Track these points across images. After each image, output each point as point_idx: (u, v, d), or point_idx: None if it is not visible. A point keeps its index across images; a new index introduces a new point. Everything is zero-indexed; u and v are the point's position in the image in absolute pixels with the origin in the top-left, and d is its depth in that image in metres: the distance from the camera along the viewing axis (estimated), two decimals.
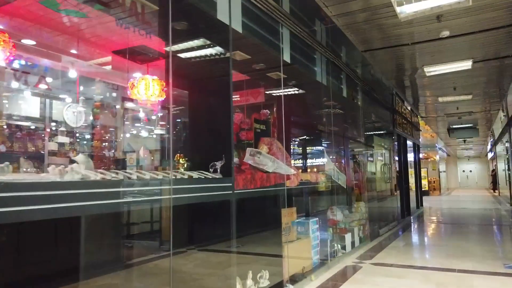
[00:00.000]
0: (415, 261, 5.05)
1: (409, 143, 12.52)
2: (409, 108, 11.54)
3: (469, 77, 7.82)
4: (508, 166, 14.28)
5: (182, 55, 3.79)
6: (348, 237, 5.59)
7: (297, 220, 4.45)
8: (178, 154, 2.94)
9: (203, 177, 2.65)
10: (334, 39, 5.30)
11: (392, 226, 8.37)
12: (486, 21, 5.13)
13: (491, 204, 15.00)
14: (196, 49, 3.76)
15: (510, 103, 11.71)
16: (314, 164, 8.97)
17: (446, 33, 5.31)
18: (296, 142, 8.89)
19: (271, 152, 4.19)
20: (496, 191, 26.12)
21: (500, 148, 19.73)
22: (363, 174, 7.52)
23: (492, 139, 20.97)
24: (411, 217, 10.62)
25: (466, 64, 6.52)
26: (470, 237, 6.98)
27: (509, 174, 14.29)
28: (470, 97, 9.15)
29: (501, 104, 11.11)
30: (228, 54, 3.13)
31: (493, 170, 26.97)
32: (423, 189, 21.42)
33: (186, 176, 2.63)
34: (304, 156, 9.20)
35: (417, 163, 13.69)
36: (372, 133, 7.90)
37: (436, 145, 22.04)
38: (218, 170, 2.82)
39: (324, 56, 4.92)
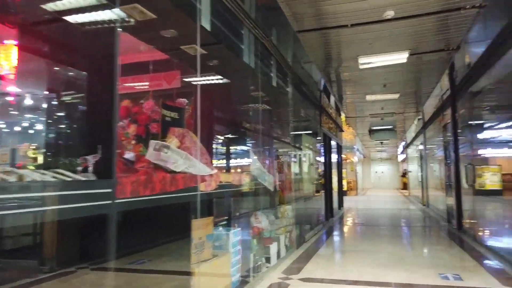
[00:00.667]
0: (347, 273, 4.49)
1: (333, 143, 12.41)
2: (334, 106, 11.37)
3: (400, 73, 7.68)
4: (421, 167, 15.00)
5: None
6: (273, 247, 4.87)
7: (215, 232, 3.58)
8: (28, 145, 1.89)
9: (60, 178, 1.65)
10: (266, 13, 4.52)
11: (317, 230, 7.93)
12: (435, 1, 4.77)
13: (405, 204, 15.69)
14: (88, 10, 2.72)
15: (426, 107, 12.19)
16: (239, 164, 8.21)
17: (390, 13, 4.85)
18: (220, 140, 8.07)
19: (183, 147, 3.26)
20: (405, 190, 28.07)
21: (411, 150, 21.01)
22: (289, 175, 6.95)
23: (404, 142, 22.28)
24: (334, 219, 10.40)
25: (402, 57, 6.25)
26: (397, 242, 6.75)
27: (421, 175, 15.01)
28: (397, 96, 9.12)
29: (419, 106, 11.49)
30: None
31: (404, 172, 28.96)
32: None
33: (35, 177, 1.61)
34: (228, 155, 8.41)
35: (340, 164, 13.70)
36: (299, 132, 7.36)
37: (354, 146, 22.79)
38: (90, 168, 1.83)
39: (253, 33, 4.12)
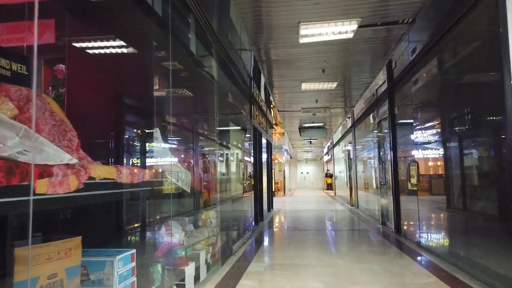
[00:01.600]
0: None
1: (263, 141, 11.46)
2: (264, 99, 10.41)
3: (342, 56, 6.90)
4: (349, 167, 14.76)
5: None
6: (189, 269, 3.61)
7: (89, 259, 2.23)
8: None
9: None
10: None
11: (247, 238, 6.81)
12: None
13: (334, 204, 15.36)
14: None
15: (357, 107, 11.82)
16: (159, 163, 6.76)
17: None
18: (135, 135, 6.54)
19: (23, 117, 1.88)
20: (329, 191, 28.48)
21: (338, 150, 21.08)
22: (214, 173, 5.75)
23: (329, 143, 22.34)
24: (265, 223, 9.41)
25: (350, 28, 5.37)
26: (338, 251, 5.87)
27: (349, 176, 14.77)
28: (334, 85, 8.40)
29: (350, 105, 11.05)
30: None
31: (329, 172, 29.38)
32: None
33: None
34: (143, 153, 6.91)
35: (270, 163, 12.82)
36: (227, 128, 6.19)
37: (283, 146, 22.31)
38: None
39: None
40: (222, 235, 5.01)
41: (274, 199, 19.18)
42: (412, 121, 6.38)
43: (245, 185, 6.73)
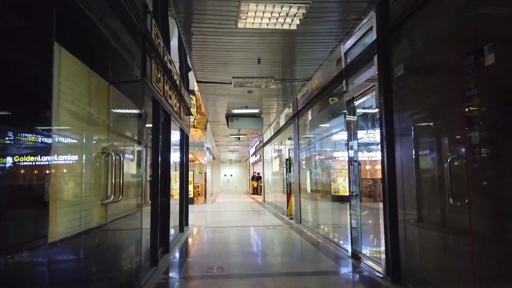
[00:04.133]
0: None
1: (176, 133, 7.91)
2: (178, 72, 6.90)
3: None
4: (287, 169, 11.79)
5: None
6: None
7: None
8: None
9: None
10: None
11: None
12: None
13: (267, 216, 12.23)
14: None
15: (301, 96, 8.85)
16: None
17: None
18: None
19: None
20: (256, 195, 25.57)
21: (268, 149, 18.17)
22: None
23: (259, 141, 19.36)
24: (170, 259, 5.86)
25: None
26: None
27: (287, 179, 11.81)
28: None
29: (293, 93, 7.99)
30: None
31: (257, 175, 26.47)
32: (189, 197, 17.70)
33: None
34: None
35: (185, 162, 9.27)
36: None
37: (205, 144, 18.79)
38: None
39: None
40: None
41: (194, 207, 15.61)
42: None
43: (113, 202, 3.12)
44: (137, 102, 4.13)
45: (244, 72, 6.36)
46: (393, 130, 4.45)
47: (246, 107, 8.87)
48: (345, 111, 5.99)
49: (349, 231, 5.86)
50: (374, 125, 5.07)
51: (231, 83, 6.69)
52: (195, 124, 17.78)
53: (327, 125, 7.71)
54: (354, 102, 5.79)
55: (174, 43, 6.98)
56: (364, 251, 5.44)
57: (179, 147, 8.57)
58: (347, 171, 8.38)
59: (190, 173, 18.20)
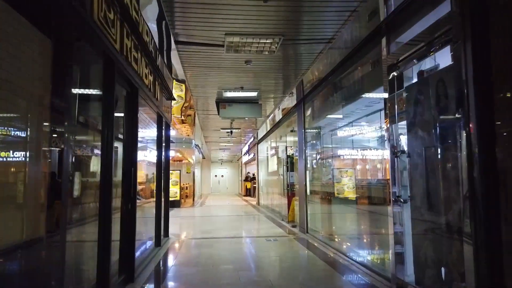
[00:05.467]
0: None
1: (147, 113, 6.09)
2: (155, 37, 5.08)
3: None
4: (288, 167, 10.02)
5: None
6: None
7: None
8: None
9: None
10: None
11: None
12: None
13: (264, 223, 10.41)
14: None
15: (308, 81, 7.09)
16: None
17: None
18: None
19: None
20: (249, 197, 23.70)
21: (263, 147, 16.36)
22: None
23: (253, 137, 17.55)
24: None
25: None
26: None
27: (287, 179, 10.03)
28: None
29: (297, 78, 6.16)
30: None
31: (252, 175, 24.60)
32: (173, 199, 15.79)
33: None
34: None
35: (165, 159, 7.42)
36: None
37: (193, 140, 16.94)
38: None
39: None
40: None
41: (180, 211, 13.71)
42: None
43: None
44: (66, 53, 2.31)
45: (242, 25, 4.53)
46: (492, 101, 2.68)
47: (242, 88, 7.04)
48: (387, 81, 4.21)
49: (392, 252, 4.08)
50: (441, 100, 3.31)
51: (223, 46, 4.86)
52: (184, 118, 15.87)
53: (350, 110, 5.96)
54: (400, 68, 4.03)
55: None
56: (412, 280, 3.67)
57: (156, 139, 6.73)
58: (351, 170, 6.78)
59: (177, 173, 16.34)
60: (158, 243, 6.58)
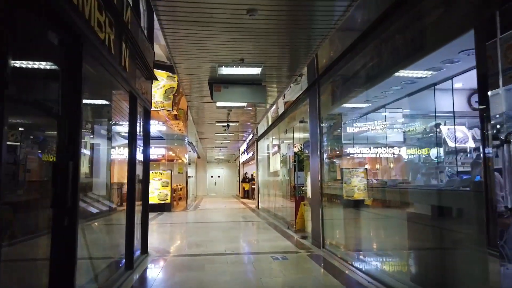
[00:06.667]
0: None
1: (115, 90, 4.45)
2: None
3: None
4: (295, 166, 8.39)
5: None
6: None
7: None
8: None
9: None
10: None
11: None
12: None
13: (267, 232, 8.72)
14: None
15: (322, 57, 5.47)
16: None
17: None
18: None
19: None
20: (246, 200, 22.03)
21: (264, 144, 14.73)
22: None
23: (252, 134, 15.90)
24: None
25: None
26: None
27: (295, 180, 8.40)
28: None
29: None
30: None
31: (251, 176, 22.89)
32: (163, 202, 14.11)
33: None
34: None
35: (144, 154, 5.78)
36: None
37: (186, 137, 15.30)
38: None
39: None
40: None
41: (170, 216, 11.90)
42: None
43: None
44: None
45: None
46: None
47: (242, 61, 5.39)
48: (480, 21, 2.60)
49: None
50: None
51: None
52: (177, 113, 14.21)
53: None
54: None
55: None
56: None
57: (128, 127, 5.08)
58: (362, 169, 5.42)
59: (167, 173, 14.68)
60: (129, 265, 4.91)
